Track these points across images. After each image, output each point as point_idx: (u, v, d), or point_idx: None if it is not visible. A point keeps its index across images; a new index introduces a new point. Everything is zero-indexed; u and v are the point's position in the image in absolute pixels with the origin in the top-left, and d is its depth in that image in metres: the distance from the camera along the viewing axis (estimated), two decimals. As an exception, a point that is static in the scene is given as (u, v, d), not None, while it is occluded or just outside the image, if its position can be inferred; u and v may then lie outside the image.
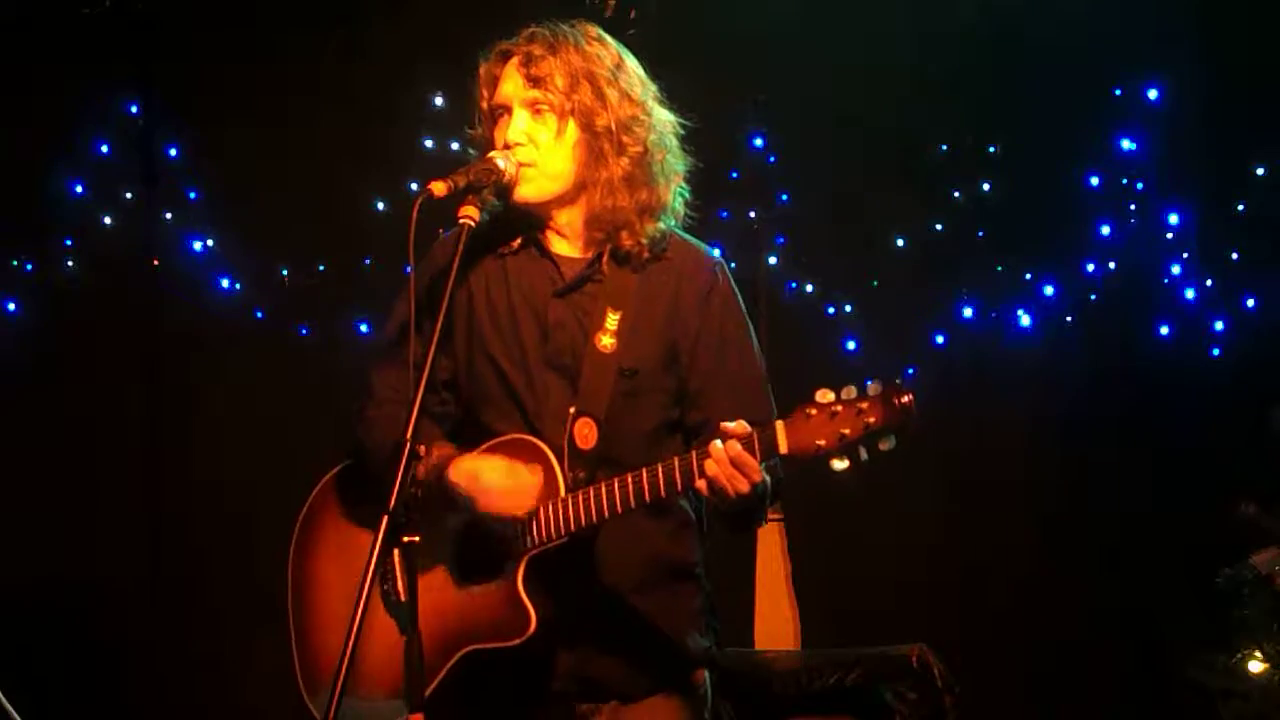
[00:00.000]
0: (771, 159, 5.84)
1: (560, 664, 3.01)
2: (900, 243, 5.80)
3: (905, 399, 2.66)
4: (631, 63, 3.09)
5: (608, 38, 3.09)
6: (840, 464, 2.69)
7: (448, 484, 2.94)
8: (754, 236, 5.79)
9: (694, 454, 2.79)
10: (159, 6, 5.68)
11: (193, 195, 5.82)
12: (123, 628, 5.63)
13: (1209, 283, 5.67)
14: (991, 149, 5.77)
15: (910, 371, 5.78)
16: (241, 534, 5.41)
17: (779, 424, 2.72)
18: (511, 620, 2.91)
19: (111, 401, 5.73)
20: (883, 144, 5.65)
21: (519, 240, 3.10)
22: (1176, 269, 5.69)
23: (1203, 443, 5.41)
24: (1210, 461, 5.36)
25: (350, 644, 2.50)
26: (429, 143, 5.64)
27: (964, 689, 4.64)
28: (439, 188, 2.84)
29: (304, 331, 5.86)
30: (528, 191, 3.01)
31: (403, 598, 3.00)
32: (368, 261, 5.75)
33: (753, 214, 5.83)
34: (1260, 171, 5.58)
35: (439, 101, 5.63)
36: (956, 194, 5.80)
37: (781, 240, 5.85)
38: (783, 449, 2.71)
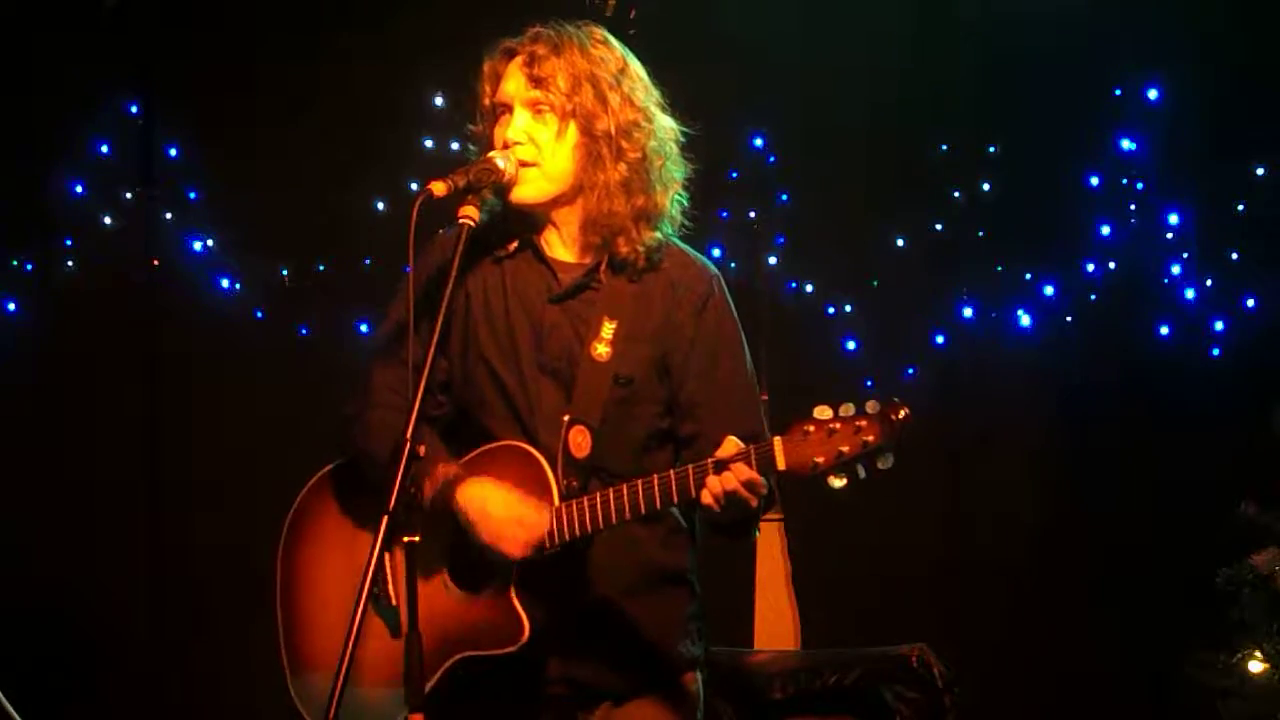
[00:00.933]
0: (771, 159, 5.84)
1: (552, 669, 3.01)
2: (900, 243, 5.80)
3: (902, 415, 2.66)
4: (636, 67, 3.09)
5: (614, 40, 3.09)
6: (838, 482, 2.69)
7: (455, 509, 2.94)
8: (754, 236, 5.79)
9: (690, 469, 2.79)
10: (159, 6, 5.67)
11: (193, 195, 5.82)
12: (123, 628, 5.62)
13: (1209, 283, 5.66)
14: (991, 149, 5.77)
15: (910, 371, 5.78)
16: (241, 534, 5.39)
17: (777, 440, 2.72)
18: (505, 628, 2.92)
19: (111, 401, 5.72)
20: (883, 144, 5.65)
21: (515, 243, 3.09)
22: (1176, 269, 5.69)
23: (1203, 443, 5.41)
24: (1210, 461, 5.36)
25: (350, 645, 2.50)
26: (429, 143, 5.64)
27: (964, 689, 4.64)
28: (439, 188, 2.84)
29: (304, 331, 5.85)
30: (526, 192, 3.01)
31: (394, 600, 3.01)
32: (368, 261, 5.75)
33: (753, 214, 5.83)
34: (1260, 171, 5.57)
35: (439, 101, 5.63)
36: (956, 194, 5.79)
37: (781, 240, 5.85)
38: (780, 465, 2.71)
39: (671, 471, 2.82)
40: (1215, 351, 5.66)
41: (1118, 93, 5.65)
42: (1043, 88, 5.52)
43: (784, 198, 5.84)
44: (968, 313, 5.80)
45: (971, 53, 5.54)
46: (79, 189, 5.76)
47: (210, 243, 5.83)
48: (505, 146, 3.00)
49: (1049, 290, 5.77)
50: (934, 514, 5.70)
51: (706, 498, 2.76)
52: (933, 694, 4.59)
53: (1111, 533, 5.58)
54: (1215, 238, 5.63)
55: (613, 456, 3.00)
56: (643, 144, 3.02)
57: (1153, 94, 5.61)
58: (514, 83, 3.02)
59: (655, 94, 3.10)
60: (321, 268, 5.86)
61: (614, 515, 2.86)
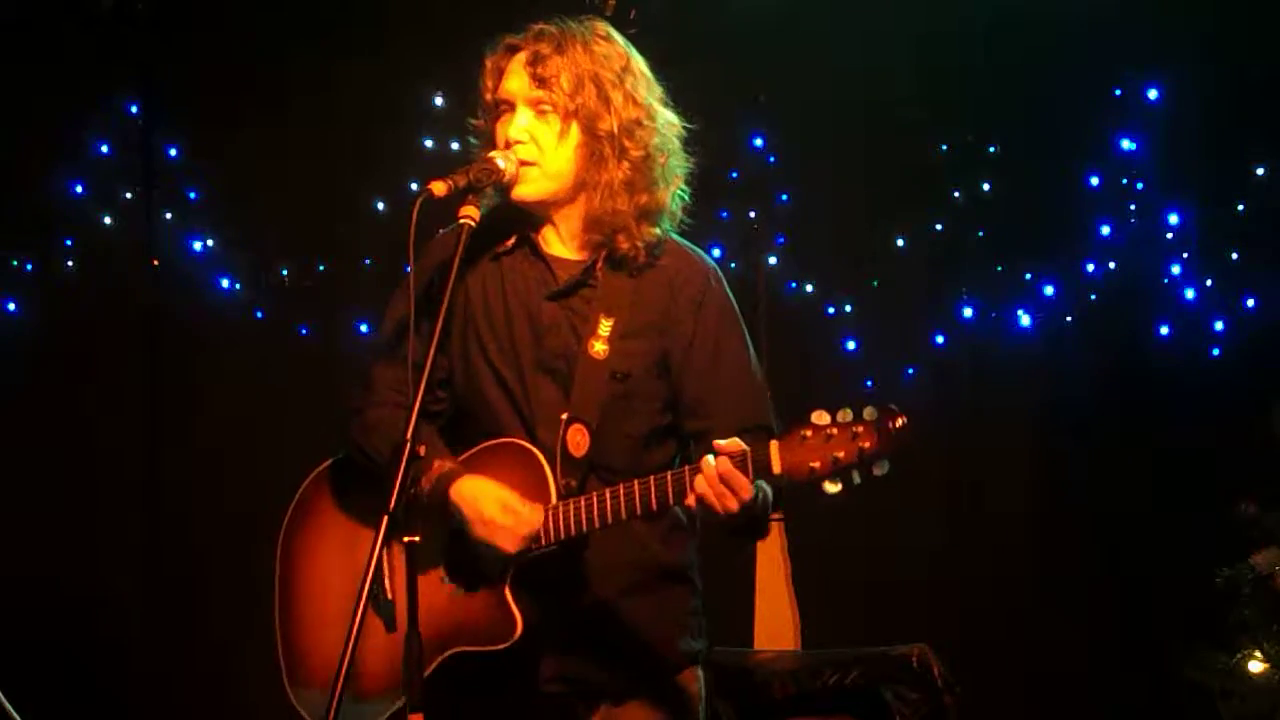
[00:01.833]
0: (771, 159, 5.84)
1: (551, 667, 3.01)
2: (900, 243, 5.80)
3: (899, 423, 2.64)
4: (638, 63, 3.07)
5: (616, 36, 3.07)
6: (833, 487, 2.68)
7: (449, 504, 2.94)
8: (754, 236, 5.79)
9: (686, 470, 2.79)
10: (159, 7, 5.68)
11: (193, 195, 5.82)
12: (123, 628, 5.62)
13: (1209, 283, 5.67)
14: (991, 149, 5.77)
15: (910, 372, 5.78)
16: (241, 534, 5.39)
17: (774, 444, 2.70)
18: (499, 624, 2.91)
19: (111, 401, 5.72)
20: (883, 144, 5.65)
21: (513, 240, 3.09)
22: (1176, 269, 5.70)
23: (1203, 443, 5.41)
24: (1210, 461, 5.36)
25: (350, 645, 2.50)
26: (429, 143, 5.64)
27: (964, 689, 4.64)
28: (439, 188, 2.84)
29: (304, 331, 5.85)
30: (527, 190, 3.00)
31: (390, 596, 3.00)
32: (368, 261, 5.75)
33: (753, 214, 5.83)
34: (1260, 171, 5.58)
35: (439, 101, 5.63)
36: (956, 194, 5.80)
37: (781, 240, 5.85)
38: (776, 469, 2.70)
39: (668, 474, 2.82)
40: (1215, 351, 5.66)
41: (1118, 93, 5.66)
42: (1043, 88, 5.52)
43: (784, 198, 5.84)
44: (968, 313, 5.81)
45: (971, 53, 5.54)
46: (79, 189, 5.76)
47: (210, 243, 5.83)
48: (507, 145, 2.99)
49: (1049, 290, 5.77)
50: (934, 514, 5.70)
51: (693, 499, 2.76)
52: (933, 694, 4.59)
53: (1111, 533, 5.59)
54: (1215, 238, 5.64)
55: (612, 454, 2.99)
56: (646, 142, 3.01)
57: (1153, 94, 5.61)
58: (517, 80, 3.01)
59: (658, 89, 3.09)
60: (321, 268, 5.86)
61: (609, 516, 2.86)
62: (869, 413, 2.65)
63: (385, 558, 3.00)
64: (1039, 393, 5.77)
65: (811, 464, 2.67)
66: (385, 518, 2.56)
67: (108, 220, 5.81)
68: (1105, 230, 5.72)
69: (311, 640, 3.14)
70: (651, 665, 3.06)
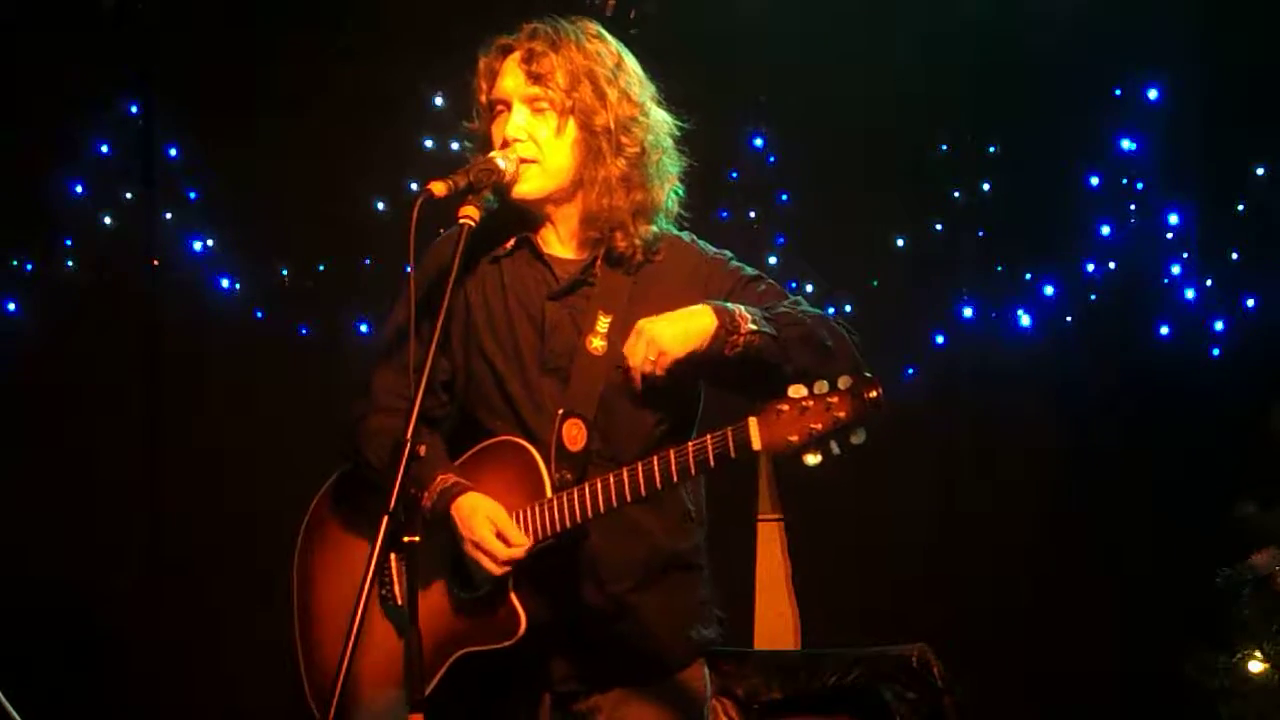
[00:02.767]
0: (771, 159, 5.84)
1: (558, 663, 3.02)
2: (900, 243, 5.80)
3: (874, 393, 2.68)
4: (631, 62, 3.10)
5: (608, 36, 3.09)
6: (813, 459, 2.71)
7: (450, 520, 2.97)
8: (754, 236, 5.79)
9: (673, 452, 2.82)
10: (159, 7, 5.68)
11: (193, 195, 5.82)
12: (123, 628, 5.62)
13: (1209, 283, 5.67)
14: (991, 149, 5.77)
15: (910, 371, 5.78)
16: (241, 534, 5.41)
17: (752, 420, 2.74)
18: (503, 623, 2.93)
19: (111, 401, 5.72)
20: (883, 144, 5.65)
21: (513, 241, 3.10)
22: (1176, 269, 5.70)
23: (1203, 443, 5.41)
24: (1210, 461, 5.36)
25: (350, 644, 2.50)
26: (429, 143, 5.64)
27: (964, 689, 4.64)
28: (439, 188, 2.85)
29: (304, 331, 5.85)
30: (528, 188, 3.01)
31: (399, 601, 3.02)
32: (368, 261, 5.75)
33: (753, 214, 5.83)
34: (1260, 171, 5.58)
35: (439, 101, 5.63)
36: (956, 194, 5.80)
37: (781, 240, 5.85)
38: (756, 445, 2.73)
39: (655, 456, 2.85)
40: (1215, 351, 5.66)
41: (1118, 93, 5.66)
42: (1043, 88, 5.52)
43: (784, 198, 5.84)
44: (968, 313, 5.81)
45: (972, 52, 5.54)
46: (79, 189, 5.76)
47: (210, 243, 5.83)
48: (504, 144, 3.00)
49: (1049, 290, 5.77)
50: (934, 514, 5.70)
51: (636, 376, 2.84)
52: (933, 694, 4.59)
53: (1111, 533, 5.59)
54: (1215, 238, 5.63)
55: (616, 448, 3.01)
56: (641, 139, 3.03)
57: (1153, 94, 5.61)
58: (512, 79, 3.02)
59: (651, 88, 3.11)
60: (321, 268, 5.86)
61: (600, 503, 2.88)
62: (843, 382, 2.68)
63: (394, 563, 3.03)
64: (1039, 393, 5.76)
65: (789, 437, 2.70)
66: (385, 518, 2.57)
67: (108, 220, 5.81)
68: (1105, 230, 5.72)
69: (330, 653, 3.13)
70: (660, 657, 3.08)
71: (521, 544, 2.91)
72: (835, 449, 2.69)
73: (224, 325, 5.80)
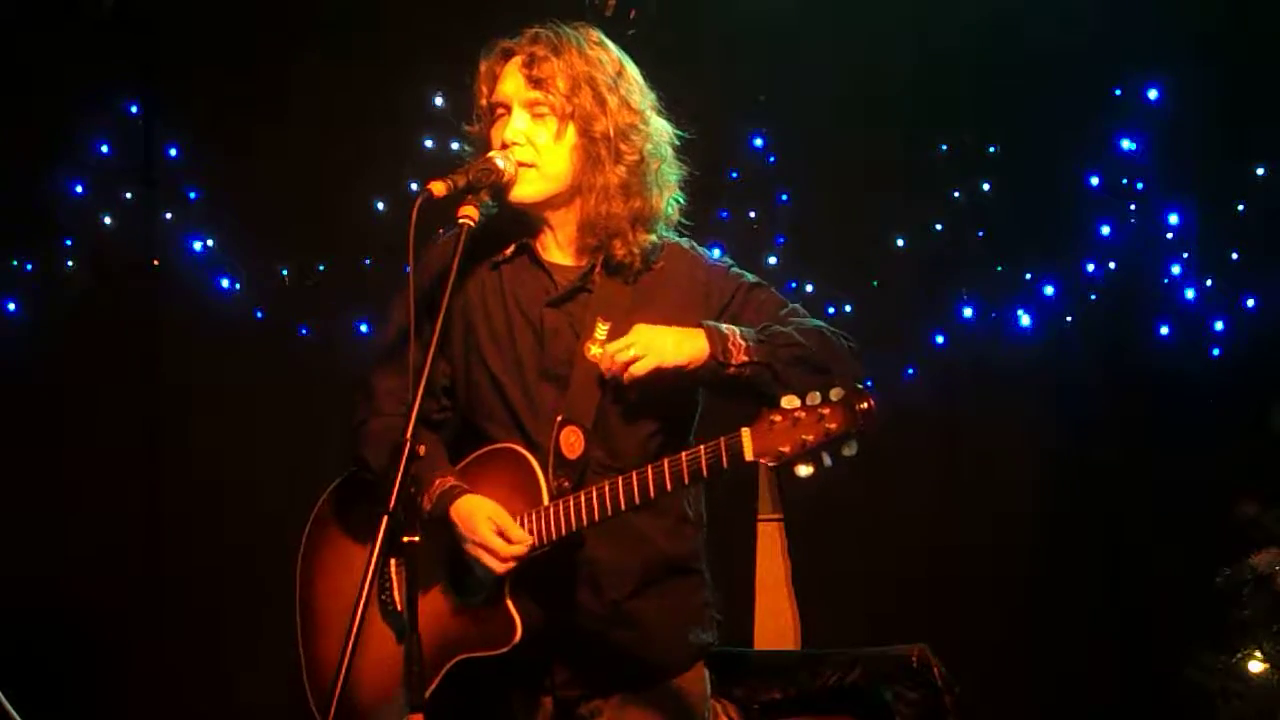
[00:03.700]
0: (771, 159, 5.84)
1: (559, 671, 3.02)
2: (900, 243, 5.80)
3: (866, 405, 2.68)
4: (632, 70, 3.10)
5: (610, 43, 3.09)
6: (805, 469, 2.71)
7: (449, 522, 2.97)
8: (754, 236, 5.78)
9: (666, 462, 2.82)
10: (159, 7, 5.67)
11: (193, 195, 5.82)
12: (123, 628, 5.62)
13: (1209, 283, 5.66)
14: (991, 149, 5.77)
15: (910, 371, 5.78)
16: (241, 534, 5.41)
17: (745, 431, 2.75)
18: (499, 629, 2.94)
19: (111, 401, 5.72)
20: (883, 144, 5.65)
21: (512, 248, 3.10)
22: (1176, 269, 5.69)
23: (1203, 443, 5.41)
24: (1210, 461, 5.36)
25: (349, 647, 2.50)
26: (429, 143, 5.64)
27: (964, 689, 4.64)
28: (438, 188, 2.85)
29: (304, 331, 5.85)
30: (525, 191, 3.01)
31: (399, 607, 3.02)
32: (368, 261, 5.75)
33: (753, 214, 5.83)
34: (1260, 171, 5.58)
35: (439, 101, 5.63)
36: (956, 194, 5.79)
37: (781, 240, 5.85)
38: (748, 456, 2.74)
39: (649, 465, 2.85)
40: (1215, 351, 5.66)
41: (1118, 93, 5.65)
42: (1043, 88, 5.52)
43: (784, 198, 5.83)
44: (968, 313, 5.80)
45: (971, 52, 5.54)
46: (79, 189, 5.76)
47: (210, 243, 5.83)
48: (503, 147, 3.00)
49: (1049, 290, 5.77)
50: (934, 514, 5.70)
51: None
52: (933, 694, 4.59)
53: (1111, 533, 5.59)
54: (1215, 238, 5.63)
55: (616, 455, 3.01)
56: (640, 146, 3.03)
57: (1153, 94, 5.60)
58: (512, 83, 3.02)
59: (651, 97, 3.11)
60: (321, 268, 5.86)
61: (595, 511, 2.88)
62: (835, 394, 2.69)
63: (394, 568, 3.04)
64: (1039, 393, 5.76)
65: (781, 448, 2.71)
66: (385, 518, 2.57)
67: (108, 220, 5.80)
68: (1105, 230, 5.71)
69: (335, 660, 3.14)
70: (660, 661, 3.08)
71: (524, 541, 2.90)
72: (827, 460, 2.70)
73: (224, 325, 5.79)
